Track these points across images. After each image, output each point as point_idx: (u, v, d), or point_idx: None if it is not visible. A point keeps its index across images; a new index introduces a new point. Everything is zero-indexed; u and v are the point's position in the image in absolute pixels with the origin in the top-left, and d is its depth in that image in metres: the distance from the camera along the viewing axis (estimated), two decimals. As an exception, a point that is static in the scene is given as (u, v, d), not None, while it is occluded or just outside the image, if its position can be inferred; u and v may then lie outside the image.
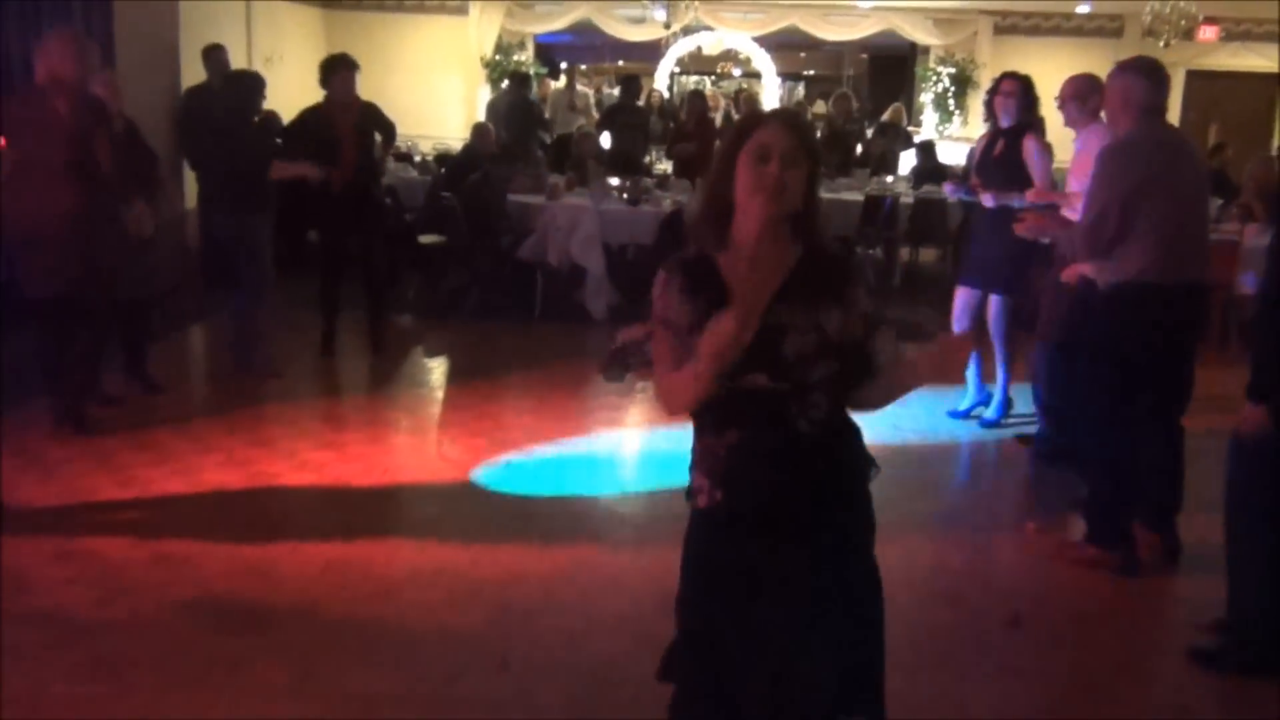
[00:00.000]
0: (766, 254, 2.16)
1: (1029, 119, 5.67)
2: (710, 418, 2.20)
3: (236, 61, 13.53)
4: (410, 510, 4.82)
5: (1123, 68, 4.14)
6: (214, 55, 8.57)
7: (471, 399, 6.32)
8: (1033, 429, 5.67)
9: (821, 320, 2.14)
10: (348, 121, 6.65)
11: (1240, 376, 3.41)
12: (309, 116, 6.78)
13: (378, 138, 7.00)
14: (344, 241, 6.81)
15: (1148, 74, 4.06)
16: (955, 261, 8.79)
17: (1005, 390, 5.99)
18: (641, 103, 12.56)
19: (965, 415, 6.16)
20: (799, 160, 2.14)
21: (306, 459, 5.23)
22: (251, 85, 6.54)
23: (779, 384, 2.13)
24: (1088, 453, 4.38)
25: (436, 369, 7.29)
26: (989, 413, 6.06)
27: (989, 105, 5.92)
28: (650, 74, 17.52)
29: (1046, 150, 5.61)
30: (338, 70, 6.63)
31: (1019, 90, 5.63)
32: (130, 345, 6.03)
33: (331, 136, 6.58)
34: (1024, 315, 5.75)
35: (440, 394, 6.69)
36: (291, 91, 14.51)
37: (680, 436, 2.36)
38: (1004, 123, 5.72)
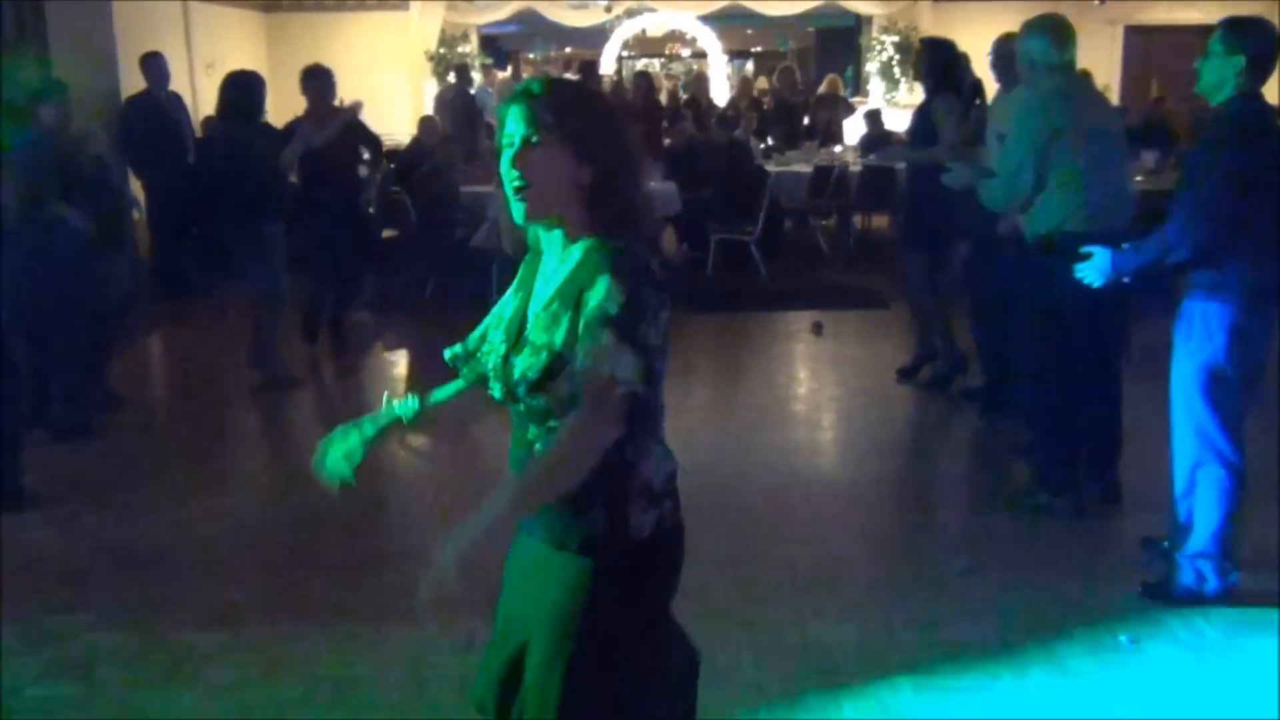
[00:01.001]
0: (551, 253, 1.95)
1: (941, 82, 5.78)
2: None
3: (176, 69, 13.43)
4: (372, 498, 4.85)
5: (1027, 27, 4.27)
6: (152, 63, 8.51)
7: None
8: (978, 384, 5.81)
9: (557, 337, 1.84)
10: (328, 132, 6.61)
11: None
12: (292, 128, 6.70)
13: (365, 155, 7.07)
14: (329, 252, 6.80)
15: (1051, 31, 4.19)
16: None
17: (952, 347, 6.10)
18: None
19: (912, 373, 6.28)
20: (539, 138, 1.84)
21: (272, 454, 5.28)
22: (256, 87, 6.22)
23: (507, 401, 1.95)
24: (1030, 404, 4.50)
25: (398, 363, 7.33)
26: (937, 369, 6.17)
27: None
28: (597, 59, 17.51)
29: (953, 112, 5.70)
30: (311, 80, 6.63)
31: (925, 55, 5.82)
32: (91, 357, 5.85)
33: (316, 147, 6.51)
34: (948, 272, 5.88)
35: (402, 386, 6.73)
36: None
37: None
38: (924, 88, 5.91)
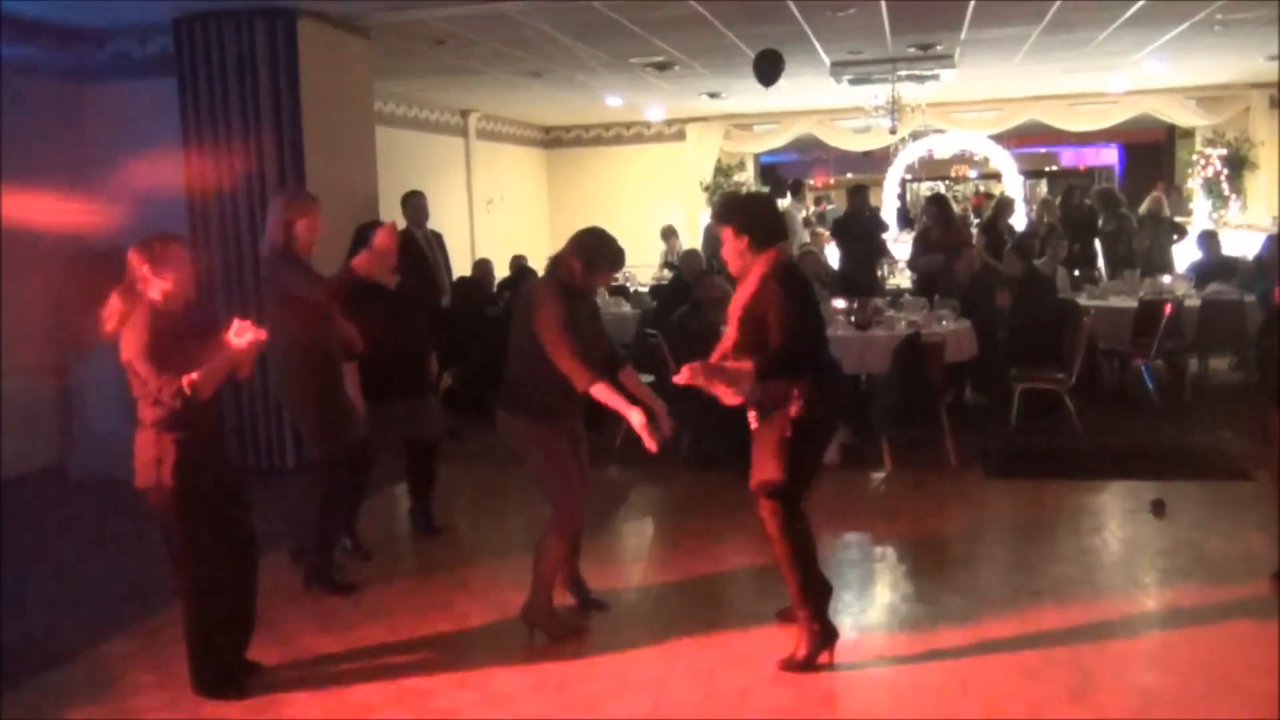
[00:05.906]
0: None
1: None
2: None
3: (456, 204, 13.63)
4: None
5: None
6: (412, 201, 8.31)
7: (687, 560, 5.46)
8: None
9: None
10: None
11: None
12: None
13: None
14: None
15: None
16: (1260, 373, 7.33)
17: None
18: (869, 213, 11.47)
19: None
20: None
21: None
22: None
23: None
24: None
25: (646, 523, 6.50)
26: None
27: None
28: (879, 184, 16.60)
29: None
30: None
31: None
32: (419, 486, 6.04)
33: None
34: None
35: (648, 551, 5.85)
36: (511, 229, 14.48)
37: None
38: None
